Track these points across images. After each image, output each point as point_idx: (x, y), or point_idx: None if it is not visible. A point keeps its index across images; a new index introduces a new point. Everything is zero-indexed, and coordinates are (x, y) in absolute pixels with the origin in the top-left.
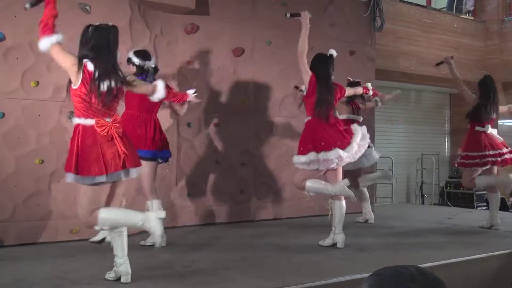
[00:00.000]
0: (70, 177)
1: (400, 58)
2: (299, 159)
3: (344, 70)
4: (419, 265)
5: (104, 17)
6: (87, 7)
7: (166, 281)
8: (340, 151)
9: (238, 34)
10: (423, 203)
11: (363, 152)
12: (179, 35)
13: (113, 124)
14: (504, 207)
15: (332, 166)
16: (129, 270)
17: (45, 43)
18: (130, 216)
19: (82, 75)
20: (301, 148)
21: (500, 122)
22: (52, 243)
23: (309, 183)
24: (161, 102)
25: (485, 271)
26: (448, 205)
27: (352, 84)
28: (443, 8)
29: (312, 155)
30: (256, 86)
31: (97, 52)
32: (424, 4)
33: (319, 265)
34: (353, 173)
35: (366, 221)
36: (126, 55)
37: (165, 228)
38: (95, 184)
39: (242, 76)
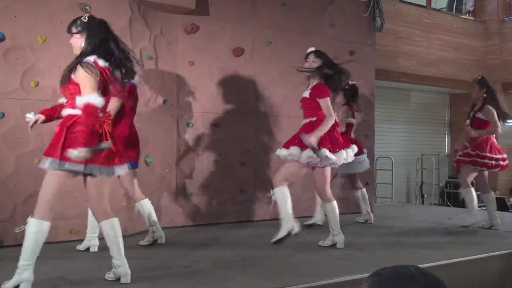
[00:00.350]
0: (47, 162)
1: (400, 58)
2: (280, 152)
3: None
4: (419, 265)
5: (104, 17)
6: (87, 7)
7: (166, 281)
8: (327, 152)
9: (238, 34)
10: (423, 203)
11: (350, 161)
12: (179, 35)
13: (105, 120)
14: (504, 207)
15: (315, 161)
16: (128, 271)
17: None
18: (32, 248)
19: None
20: (288, 142)
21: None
22: (52, 243)
23: (278, 191)
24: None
25: (485, 271)
26: (448, 205)
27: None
28: (443, 8)
29: (293, 149)
30: (256, 86)
31: (103, 46)
32: (424, 4)
33: (319, 265)
34: (349, 177)
35: (366, 221)
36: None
37: (166, 228)
38: (72, 173)
39: (242, 76)
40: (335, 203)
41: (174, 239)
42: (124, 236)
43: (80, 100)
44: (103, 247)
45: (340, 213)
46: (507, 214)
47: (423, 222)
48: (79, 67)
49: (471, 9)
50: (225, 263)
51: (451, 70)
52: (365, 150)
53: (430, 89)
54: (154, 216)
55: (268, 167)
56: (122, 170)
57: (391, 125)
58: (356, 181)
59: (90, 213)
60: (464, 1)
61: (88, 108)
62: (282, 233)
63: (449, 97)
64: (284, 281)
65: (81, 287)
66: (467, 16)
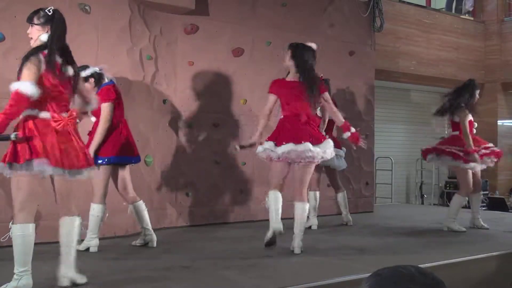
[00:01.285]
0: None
1: (400, 58)
2: (258, 149)
3: (343, 70)
4: (419, 265)
5: (104, 17)
6: (87, 7)
7: (166, 281)
8: (310, 145)
9: (238, 34)
10: (422, 203)
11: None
12: (178, 35)
13: (69, 120)
14: (504, 207)
15: (292, 157)
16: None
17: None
18: (23, 255)
19: (47, 65)
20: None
21: (499, 122)
22: (51, 243)
23: (272, 197)
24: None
25: (485, 271)
26: (448, 206)
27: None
28: (442, 8)
29: (268, 144)
30: (256, 86)
31: (61, 41)
32: (424, 4)
33: (319, 265)
34: (327, 174)
35: (346, 223)
36: (125, 55)
37: (165, 229)
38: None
39: (242, 76)
40: (308, 205)
41: (174, 239)
42: (124, 236)
43: (14, 86)
44: (103, 247)
45: (335, 214)
46: (507, 214)
47: (423, 222)
48: (29, 58)
49: (471, 9)
50: (225, 263)
51: (451, 70)
52: (343, 148)
53: (430, 89)
54: (147, 219)
55: (268, 167)
56: (91, 173)
57: (391, 125)
58: (336, 180)
59: (90, 213)
60: (463, 1)
61: (19, 96)
62: (268, 234)
63: None
64: (284, 281)
65: (81, 287)
66: (466, 16)
